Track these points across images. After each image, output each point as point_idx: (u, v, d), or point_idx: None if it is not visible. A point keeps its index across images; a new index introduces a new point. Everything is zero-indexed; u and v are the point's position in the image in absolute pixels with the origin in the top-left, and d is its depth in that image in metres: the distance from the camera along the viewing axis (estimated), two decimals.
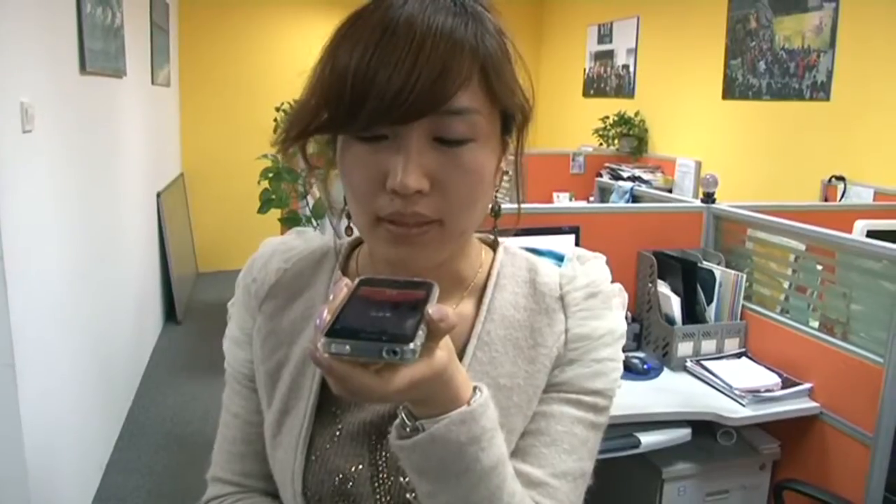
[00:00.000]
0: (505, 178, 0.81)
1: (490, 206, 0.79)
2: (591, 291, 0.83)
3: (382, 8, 0.68)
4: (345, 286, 0.60)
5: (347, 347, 0.54)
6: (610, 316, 0.83)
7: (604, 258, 0.88)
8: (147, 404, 3.90)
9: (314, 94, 0.71)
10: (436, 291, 0.60)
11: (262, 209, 2.80)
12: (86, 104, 3.10)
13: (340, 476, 0.79)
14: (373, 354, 0.54)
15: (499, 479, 0.67)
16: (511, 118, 0.76)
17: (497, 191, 0.78)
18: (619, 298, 0.85)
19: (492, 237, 0.88)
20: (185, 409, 3.86)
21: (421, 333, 0.55)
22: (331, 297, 0.59)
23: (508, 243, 0.88)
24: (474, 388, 0.65)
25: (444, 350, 0.60)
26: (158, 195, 4.96)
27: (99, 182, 3.32)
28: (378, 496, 0.79)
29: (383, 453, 0.79)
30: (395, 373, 0.56)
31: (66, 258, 2.70)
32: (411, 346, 0.54)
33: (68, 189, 2.76)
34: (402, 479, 0.77)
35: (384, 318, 0.57)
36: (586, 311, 0.82)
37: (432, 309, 0.57)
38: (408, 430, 0.64)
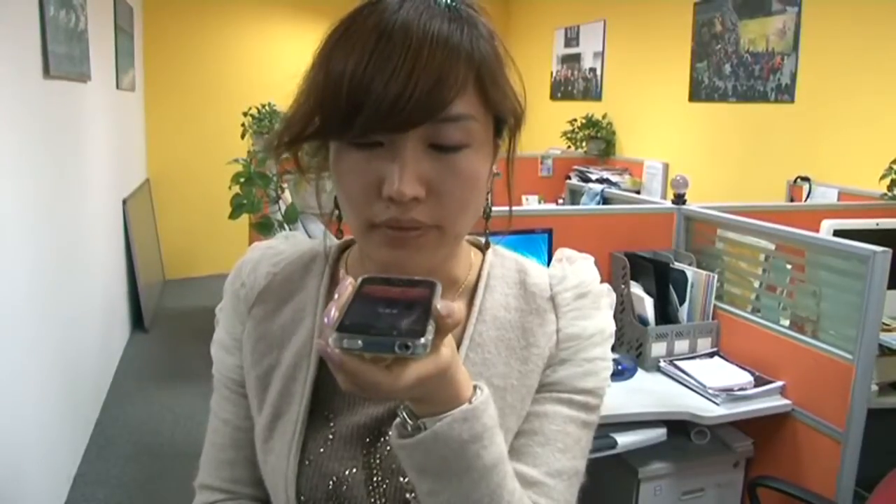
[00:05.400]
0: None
1: (482, 209, 0.78)
2: (580, 292, 0.84)
3: (377, 12, 0.67)
4: (349, 284, 0.60)
5: (360, 342, 0.54)
6: (599, 316, 0.84)
7: (592, 259, 0.89)
8: (115, 414, 3.83)
9: (308, 100, 0.70)
10: (439, 289, 0.61)
11: (234, 214, 2.77)
12: (49, 109, 3.04)
13: (334, 480, 0.79)
14: (385, 349, 0.55)
15: (499, 476, 0.67)
16: (503, 122, 0.76)
17: (489, 193, 0.78)
18: (607, 298, 0.86)
19: (480, 238, 0.88)
20: (155, 419, 3.80)
21: (430, 328, 0.56)
22: (336, 296, 0.59)
23: (496, 245, 0.89)
24: (475, 387, 0.66)
25: (448, 348, 0.60)
26: (124, 202, 4.88)
27: (63, 189, 3.25)
28: (373, 499, 0.78)
29: (377, 456, 0.79)
30: (405, 368, 0.57)
31: (30, 267, 2.64)
32: (422, 340, 0.54)
33: (31, 196, 2.71)
34: (401, 479, 0.77)
35: (392, 314, 0.57)
36: (577, 311, 0.83)
37: (440, 304, 0.57)
38: (409, 428, 0.64)
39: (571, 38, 6.25)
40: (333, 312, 0.57)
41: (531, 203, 4.50)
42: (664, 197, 4.26)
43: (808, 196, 3.51)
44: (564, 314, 0.83)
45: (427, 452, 0.63)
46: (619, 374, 2.23)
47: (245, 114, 4.83)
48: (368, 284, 0.62)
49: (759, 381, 2.17)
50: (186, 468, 0.94)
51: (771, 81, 4.05)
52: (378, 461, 0.79)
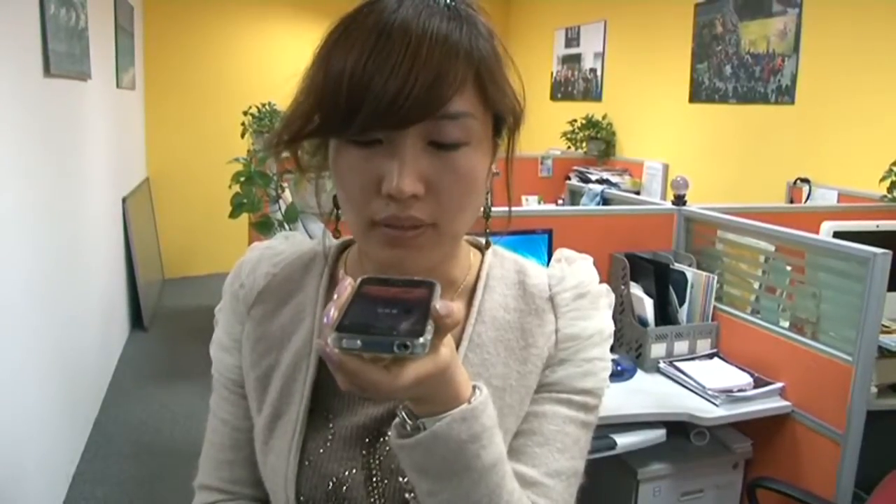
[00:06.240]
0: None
1: (481, 208, 0.79)
2: (579, 292, 0.84)
3: (377, 12, 0.68)
4: (349, 285, 0.61)
5: (359, 342, 0.55)
6: (598, 316, 0.84)
7: (591, 259, 0.89)
8: (114, 413, 3.83)
9: (307, 99, 0.71)
10: (438, 289, 0.61)
11: (234, 214, 2.77)
12: (49, 107, 3.04)
13: (334, 480, 0.79)
14: (384, 348, 0.55)
15: (498, 476, 0.67)
16: (503, 120, 0.76)
17: (488, 193, 0.78)
18: (606, 299, 0.86)
19: (480, 239, 0.88)
20: (154, 418, 3.80)
21: (429, 328, 0.56)
22: (335, 296, 0.59)
23: (495, 245, 0.89)
24: (474, 387, 0.66)
25: (448, 348, 0.61)
26: (124, 200, 4.88)
27: (63, 187, 3.25)
28: (373, 499, 0.78)
29: (377, 456, 0.79)
30: (403, 368, 0.57)
31: (29, 266, 2.64)
32: (421, 339, 0.55)
33: (31, 194, 2.70)
34: (400, 479, 0.77)
35: (391, 314, 0.57)
36: (576, 312, 0.83)
37: (439, 304, 0.58)
38: (409, 428, 0.64)
39: (572, 39, 6.25)
40: (333, 312, 0.57)
41: (531, 203, 4.50)
42: (664, 198, 4.26)
43: (807, 198, 3.51)
44: (563, 314, 0.83)
45: (426, 452, 0.63)
46: (618, 375, 2.23)
47: (245, 113, 4.83)
48: (368, 285, 0.62)
49: (758, 383, 2.17)
50: (185, 467, 0.94)
51: (771, 83, 4.05)
52: (377, 461, 0.79)
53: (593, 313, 0.84)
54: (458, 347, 0.79)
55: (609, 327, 0.85)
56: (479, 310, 0.82)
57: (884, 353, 2.13)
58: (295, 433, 0.80)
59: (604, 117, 5.62)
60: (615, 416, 2.01)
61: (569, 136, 5.67)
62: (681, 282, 2.39)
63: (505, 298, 0.83)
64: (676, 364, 2.29)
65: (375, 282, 0.63)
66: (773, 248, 2.31)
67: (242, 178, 2.72)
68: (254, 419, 0.86)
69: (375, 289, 0.62)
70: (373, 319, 0.57)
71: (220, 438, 0.89)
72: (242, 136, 4.75)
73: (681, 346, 2.37)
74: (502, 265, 0.86)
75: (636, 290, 2.41)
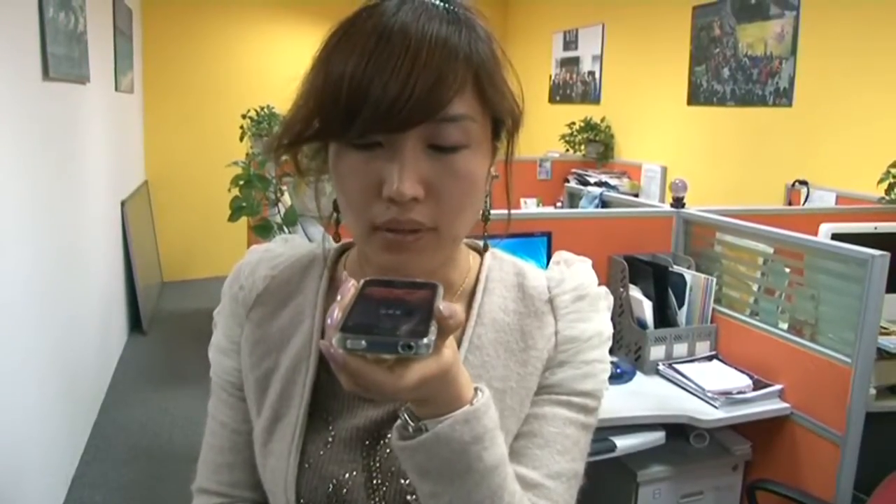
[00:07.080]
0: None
1: (480, 211, 0.79)
2: (579, 294, 0.84)
3: (376, 15, 0.68)
4: (352, 286, 0.61)
5: (363, 342, 0.55)
6: (597, 318, 0.84)
7: (589, 261, 0.89)
8: (113, 417, 3.83)
9: (307, 103, 0.71)
10: (441, 291, 0.61)
11: (233, 217, 2.77)
12: (48, 110, 3.04)
13: (334, 482, 0.79)
14: (388, 349, 0.55)
15: (500, 478, 0.67)
16: (501, 123, 0.76)
17: (487, 196, 0.79)
18: (605, 301, 0.86)
19: (478, 242, 0.88)
20: (153, 421, 3.79)
21: (433, 329, 0.56)
22: (339, 297, 0.60)
23: (494, 248, 0.89)
24: (475, 389, 0.66)
25: (450, 349, 0.61)
26: (122, 204, 4.88)
27: (61, 190, 3.25)
28: (373, 502, 0.78)
29: (377, 458, 0.79)
30: (407, 369, 0.57)
31: (28, 269, 2.64)
32: (425, 340, 0.55)
33: (30, 198, 2.70)
34: (401, 481, 0.77)
35: (395, 315, 0.58)
36: (575, 314, 0.83)
37: (442, 306, 0.58)
38: (411, 430, 0.64)
39: (570, 42, 6.26)
40: (337, 313, 0.58)
41: (530, 206, 4.50)
42: (662, 200, 4.26)
43: (806, 200, 3.51)
44: (563, 316, 0.83)
45: (429, 454, 0.64)
46: (617, 378, 2.23)
47: (244, 116, 4.83)
48: (371, 286, 0.62)
49: (757, 385, 2.17)
50: (184, 471, 0.94)
51: (769, 85, 4.06)
52: (378, 464, 0.79)
53: (592, 315, 0.84)
54: (458, 349, 0.79)
55: (608, 329, 0.85)
56: (479, 312, 0.82)
57: (882, 354, 2.13)
58: (295, 435, 0.80)
59: (602, 120, 5.62)
60: (615, 418, 2.01)
61: (567, 138, 5.67)
62: (680, 284, 2.40)
63: (504, 301, 0.84)
64: (675, 366, 2.29)
65: (378, 283, 0.63)
66: (771, 250, 2.31)
67: (241, 182, 2.73)
68: (253, 422, 0.85)
69: (379, 290, 0.62)
70: (377, 320, 0.57)
71: (219, 441, 0.88)
72: (241, 139, 4.75)
73: (680, 349, 2.37)
74: (501, 268, 0.87)
75: (635, 292, 2.42)
